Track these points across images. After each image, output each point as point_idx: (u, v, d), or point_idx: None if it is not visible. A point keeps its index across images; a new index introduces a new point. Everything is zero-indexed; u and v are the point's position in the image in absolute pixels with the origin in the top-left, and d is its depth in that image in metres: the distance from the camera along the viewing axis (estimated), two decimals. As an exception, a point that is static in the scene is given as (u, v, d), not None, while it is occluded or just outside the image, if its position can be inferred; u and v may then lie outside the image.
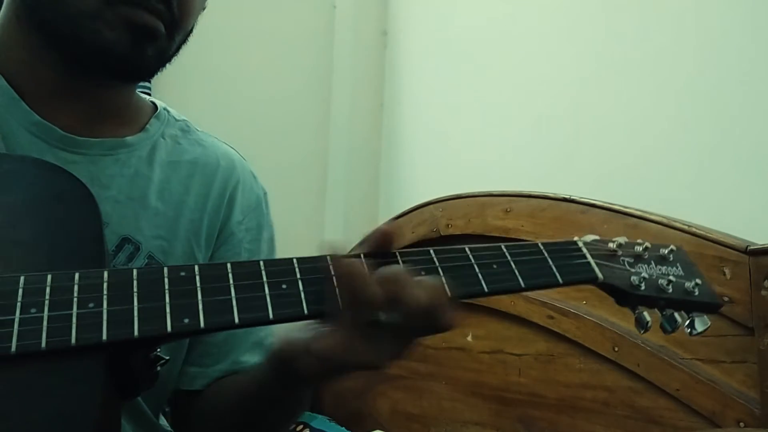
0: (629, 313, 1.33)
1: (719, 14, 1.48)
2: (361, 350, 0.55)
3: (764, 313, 1.11)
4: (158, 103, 0.90)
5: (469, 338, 1.64)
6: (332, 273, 0.57)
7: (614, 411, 1.33)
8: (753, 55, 1.41)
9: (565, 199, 1.47)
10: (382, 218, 2.25)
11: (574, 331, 1.41)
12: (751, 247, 1.14)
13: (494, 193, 1.66)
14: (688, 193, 1.46)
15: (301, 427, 1.82)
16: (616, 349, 1.32)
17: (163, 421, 0.90)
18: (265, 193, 0.95)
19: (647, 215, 1.28)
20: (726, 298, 1.15)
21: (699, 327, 0.70)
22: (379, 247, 0.61)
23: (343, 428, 1.82)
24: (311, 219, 2.35)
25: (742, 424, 1.12)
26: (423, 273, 0.60)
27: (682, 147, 1.50)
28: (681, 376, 1.22)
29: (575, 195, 1.45)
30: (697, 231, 1.19)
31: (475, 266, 0.62)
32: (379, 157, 2.40)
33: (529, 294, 1.50)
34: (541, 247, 0.66)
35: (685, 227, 1.22)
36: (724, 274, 1.16)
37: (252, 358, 0.86)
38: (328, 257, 0.58)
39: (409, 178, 2.28)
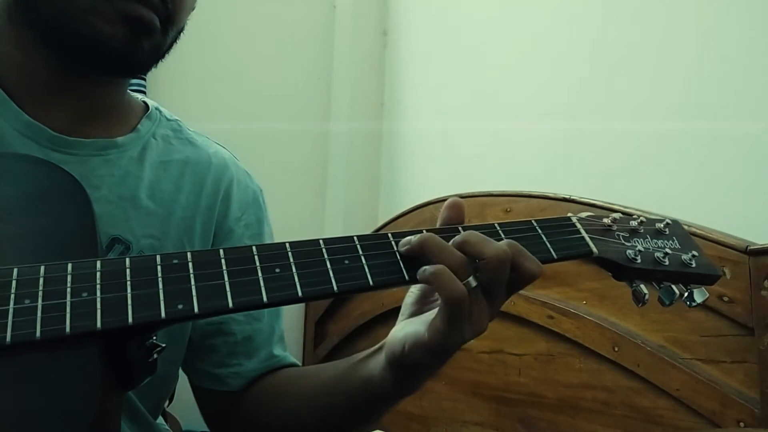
0: (629, 312, 1.34)
1: (719, 13, 1.48)
2: (467, 321, 0.58)
3: (764, 313, 1.11)
4: (150, 102, 0.90)
5: (469, 338, 1.64)
6: (405, 250, 0.60)
7: (614, 411, 1.33)
8: (753, 54, 1.41)
9: (565, 199, 1.47)
10: (382, 218, 2.25)
11: (574, 331, 1.41)
12: (751, 247, 1.14)
13: (494, 193, 1.66)
14: (688, 192, 1.46)
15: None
16: (616, 349, 1.32)
17: (160, 420, 0.89)
18: (261, 190, 0.94)
19: (647, 215, 1.28)
20: (726, 298, 1.15)
21: (698, 298, 0.69)
22: (450, 219, 0.65)
23: (343, 428, 1.82)
24: (311, 219, 2.36)
25: (742, 424, 1.11)
26: None
27: (682, 147, 1.50)
28: (681, 376, 1.21)
29: (575, 195, 1.45)
30: (697, 231, 1.19)
31: None
32: (379, 157, 2.40)
33: (529, 294, 1.50)
34: (535, 224, 0.67)
35: (685, 227, 1.21)
36: (724, 274, 1.15)
37: (281, 352, 0.87)
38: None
39: (409, 178, 2.28)
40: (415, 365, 0.63)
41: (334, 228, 2.34)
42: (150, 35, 0.74)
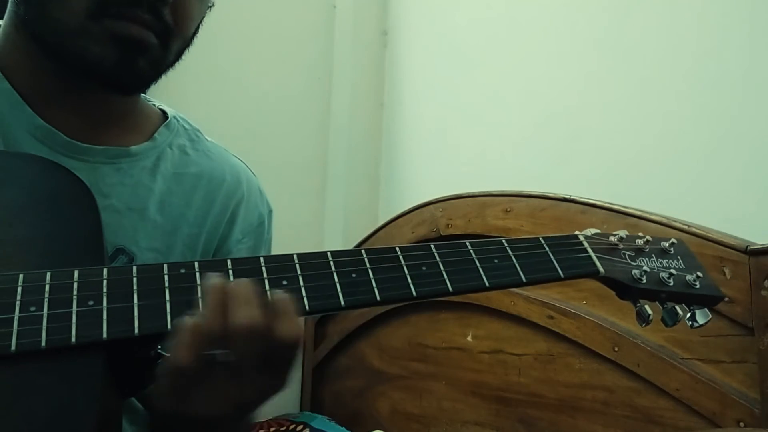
0: (629, 312, 1.34)
1: (719, 13, 1.48)
2: (196, 394, 0.52)
3: (764, 313, 1.11)
4: (169, 110, 0.88)
5: (469, 338, 1.64)
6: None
7: (614, 411, 1.33)
8: (753, 54, 1.41)
9: (565, 199, 1.47)
10: (382, 218, 2.25)
11: (574, 331, 1.41)
12: (751, 247, 1.14)
13: (494, 193, 1.66)
14: (688, 192, 1.46)
15: (301, 427, 1.81)
16: (616, 349, 1.32)
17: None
18: (270, 212, 0.93)
19: (647, 215, 1.28)
20: (726, 298, 1.15)
21: (700, 320, 0.70)
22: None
23: (343, 428, 1.82)
24: (311, 219, 2.35)
25: (742, 424, 1.11)
26: (424, 268, 0.60)
27: (682, 147, 1.50)
28: (681, 376, 1.21)
29: (575, 195, 1.45)
30: (697, 231, 1.19)
31: (476, 260, 0.63)
32: (379, 157, 2.40)
33: (529, 294, 1.50)
34: (542, 242, 0.67)
35: (685, 227, 1.22)
36: (724, 274, 1.15)
37: None
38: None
39: (409, 178, 2.28)
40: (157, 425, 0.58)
41: (334, 228, 2.33)
42: (144, 53, 0.72)
